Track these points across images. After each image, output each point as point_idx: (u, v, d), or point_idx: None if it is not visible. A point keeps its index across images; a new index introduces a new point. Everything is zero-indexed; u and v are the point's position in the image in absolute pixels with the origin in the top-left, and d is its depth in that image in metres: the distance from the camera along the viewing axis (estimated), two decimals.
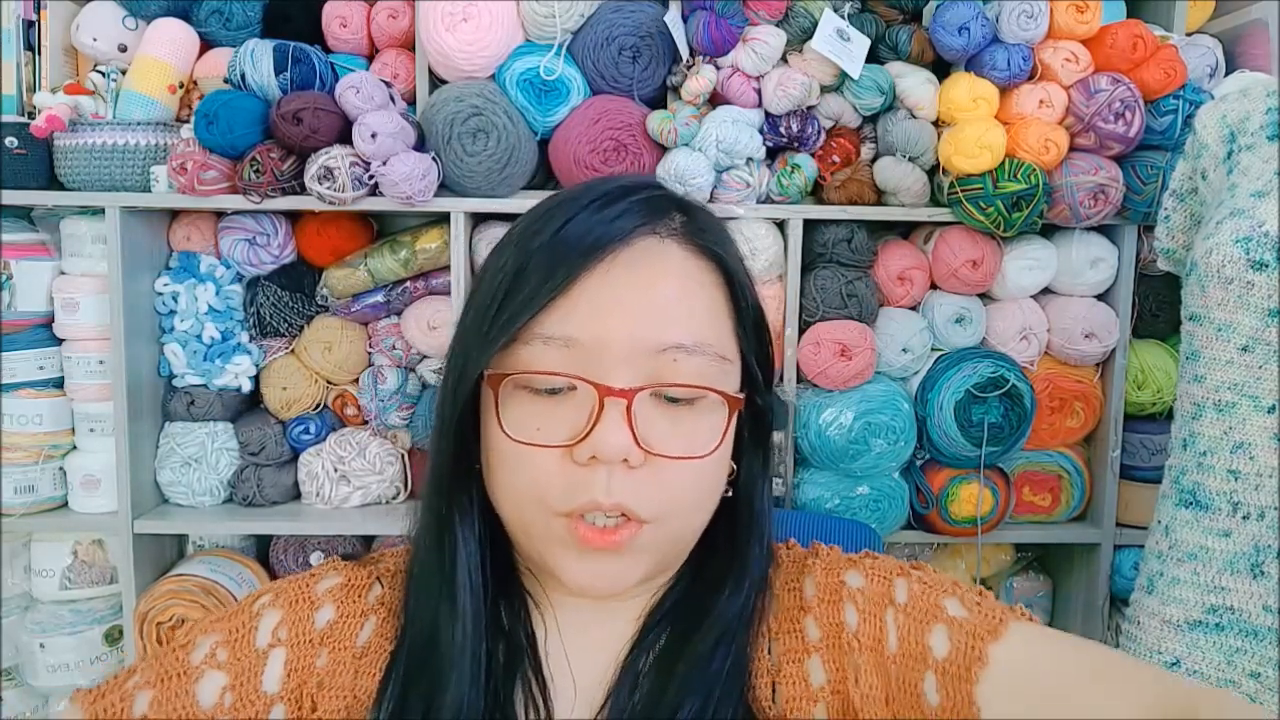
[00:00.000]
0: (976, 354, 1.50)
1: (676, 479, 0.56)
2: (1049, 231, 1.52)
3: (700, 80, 1.42)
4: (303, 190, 1.44)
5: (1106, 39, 1.43)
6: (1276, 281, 0.92)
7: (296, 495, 1.61)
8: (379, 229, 1.67)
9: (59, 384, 1.55)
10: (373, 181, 1.42)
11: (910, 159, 1.46)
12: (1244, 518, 0.96)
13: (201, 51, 1.55)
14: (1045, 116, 1.43)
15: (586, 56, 1.45)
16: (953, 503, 1.52)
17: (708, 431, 0.56)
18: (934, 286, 1.55)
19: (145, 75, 1.49)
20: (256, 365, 1.57)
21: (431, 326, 1.55)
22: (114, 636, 1.57)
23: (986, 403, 1.47)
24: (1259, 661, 0.95)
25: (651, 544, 0.57)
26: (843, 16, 1.43)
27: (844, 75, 1.44)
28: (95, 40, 1.53)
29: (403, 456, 1.60)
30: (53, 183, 1.50)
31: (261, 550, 1.67)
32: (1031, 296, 1.55)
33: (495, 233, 1.52)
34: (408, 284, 1.57)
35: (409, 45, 1.55)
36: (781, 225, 1.51)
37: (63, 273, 1.53)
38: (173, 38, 1.50)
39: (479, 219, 1.55)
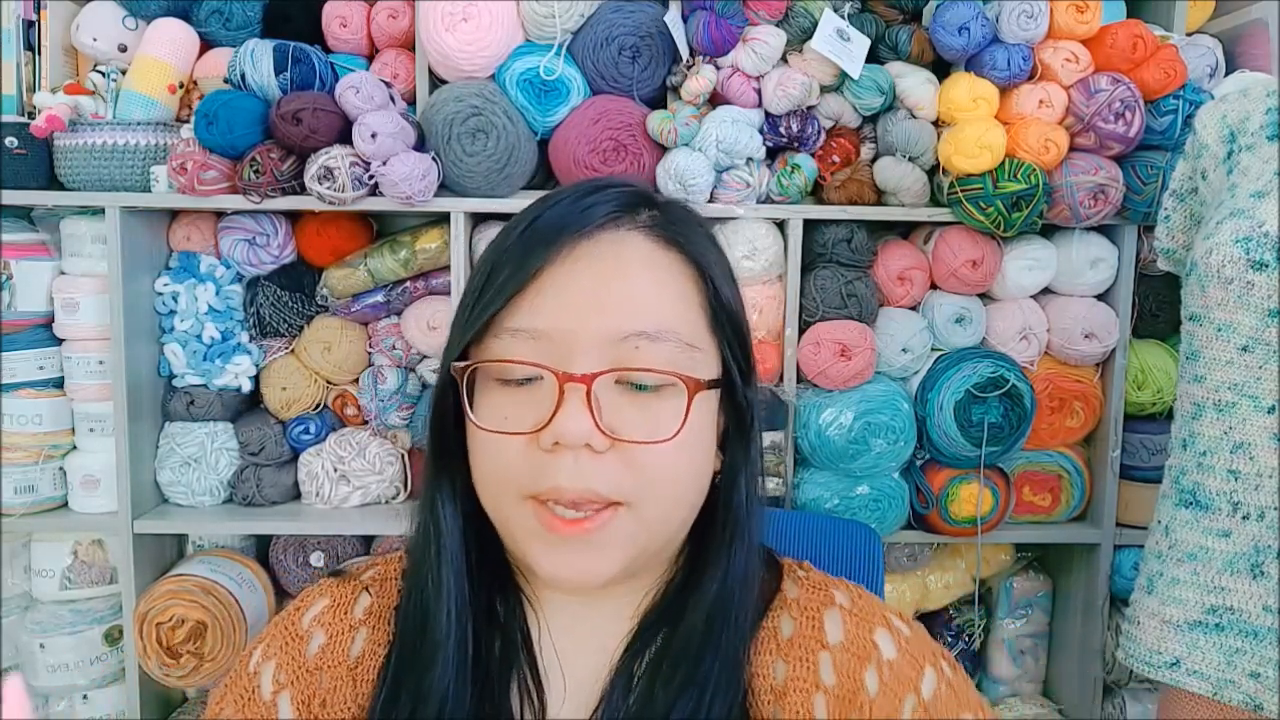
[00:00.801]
0: (976, 354, 1.50)
1: (645, 464, 0.55)
2: (1049, 231, 1.52)
3: (700, 80, 1.42)
4: (303, 190, 1.44)
5: (1106, 39, 1.43)
6: (1276, 281, 0.92)
7: (296, 495, 1.61)
8: (379, 229, 1.67)
9: (59, 384, 1.55)
10: (373, 181, 1.42)
11: (910, 159, 1.46)
12: (1244, 518, 0.96)
13: (201, 51, 1.55)
14: (1045, 116, 1.43)
15: (586, 56, 1.45)
16: (953, 503, 1.52)
17: (673, 416, 0.56)
18: (934, 286, 1.55)
19: (145, 75, 1.49)
20: (256, 365, 1.57)
21: (431, 326, 1.55)
22: (114, 636, 1.57)
23: (986, 403, 1.47)
24: (1259, 661, 0.95)
25: (626, 534, 0.56)
26: (843, 16, 1.43)
27: (844, 75, 1.44)
28: (95, 40, 1.53)
29: (402, 456, 1.60)
30: (53, 183, 1.50)
31: (261, 550, 1.67)
32: (1031, 296, 1.55)
33: (495, 233, 1.52)
34: (408, 284, 1.57)
35: (409, 45, 1.55)
36: (781, 225, 1.51)
37: (63, 273, 1.53)
38: (173, 38, 1.50)
39: (479, 219, 1.55)
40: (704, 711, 0.57)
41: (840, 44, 1.41)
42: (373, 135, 1.38)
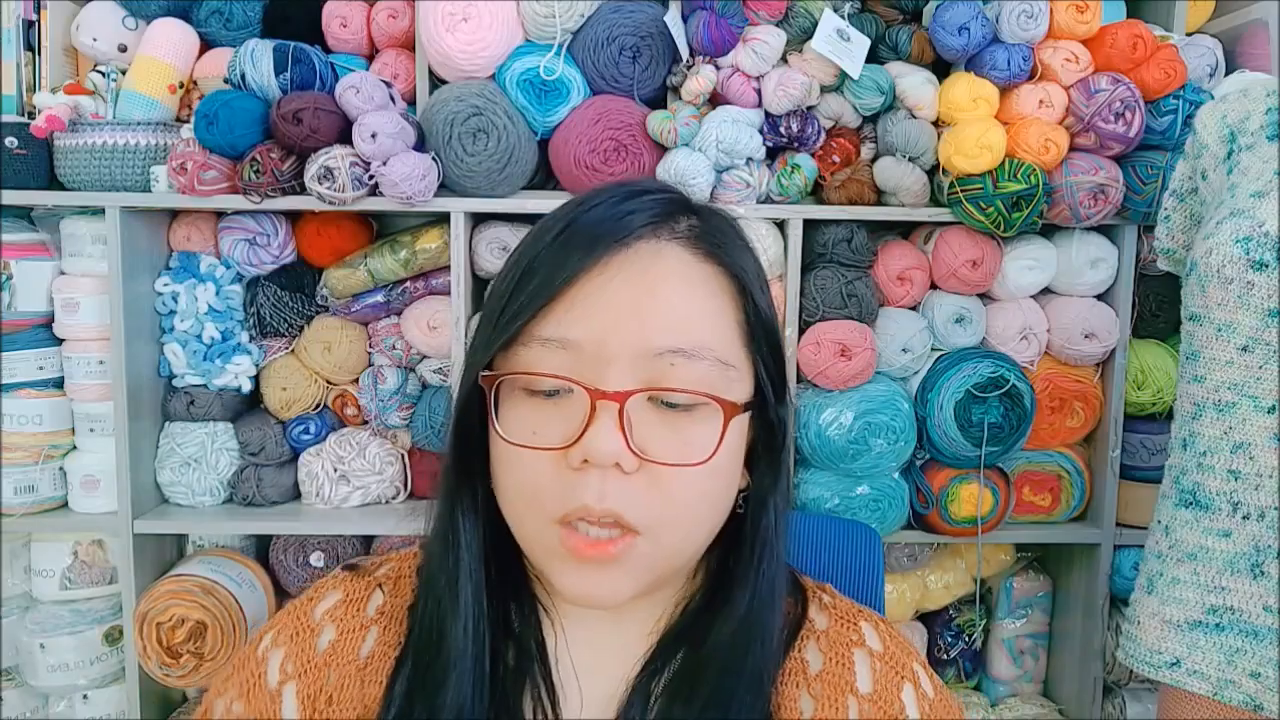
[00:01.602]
0: (976, 354, 1.50)
1: (673, 487, 0.54)
2: (1049, 231, 1.52)
3: (700, 80, 1.42)
4: (303, 190, 1.44)
5: (1106, 39, 1.43)
6: (1276, 281, 0.92)
7: (296, 495, 1.61)
8: (379, 229, 1.67)
9: (59, 384, 1.55)
10: (373, 181, 1.42)
11: (910, 159, 1.46)
12: (1244, 518, 0.96)
13: (201, 51, 1.55)
14: (1045, 116, 1.43)
15: (586, 56, 1.45)
16: (953, 503, 1.52)
17: (706, 438, 0.54)
18: (934, 286, 1.55)
19: (145, 75, 1.49)
20: (256, 365, 1.57)
21: (431, 326, 1.55)
22: (114, 636, 1.57)
23: (986, 403, 1.47)
24: (1259, 661, 0.95)
25: (646, 558, 0.55)
26: (843, 16, 1.43)
27: (844, 75, 1.44)
28: (95, 40, 1.53)
29: (403, 456, 1.60)
30: (53, 183, 1.50)
31: (261, 550, 1.67)
32: (1031, 296, 1.55)
33: (495, 233, 1.52)
34: (408, 284, 1.57)
35: (409, 45, 1.55)
36: (781, 225, 1.51)
37: (63, 273, 1.53)
38: (172, 38, 1.50)
39: (479, 219, 1.55)
40: None
41: (840, 44, 1.41)
42: (373, 135, 1.38)
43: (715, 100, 1.48)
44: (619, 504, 0.53)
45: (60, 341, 1.54)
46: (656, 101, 1.52)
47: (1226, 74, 1.53)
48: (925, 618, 1.72)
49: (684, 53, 1.42)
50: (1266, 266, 0.92)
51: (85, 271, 1.51)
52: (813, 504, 1.50)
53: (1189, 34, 1.57)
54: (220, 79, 1.49)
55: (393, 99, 1.46)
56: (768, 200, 1.49)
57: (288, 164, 1.42)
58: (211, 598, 1.46)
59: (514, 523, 0.58)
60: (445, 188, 1.48)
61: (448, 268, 1.52)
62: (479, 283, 1.59)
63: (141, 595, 1.49)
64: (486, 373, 0.56)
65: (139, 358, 1.51)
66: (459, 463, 0.61)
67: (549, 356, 0.54)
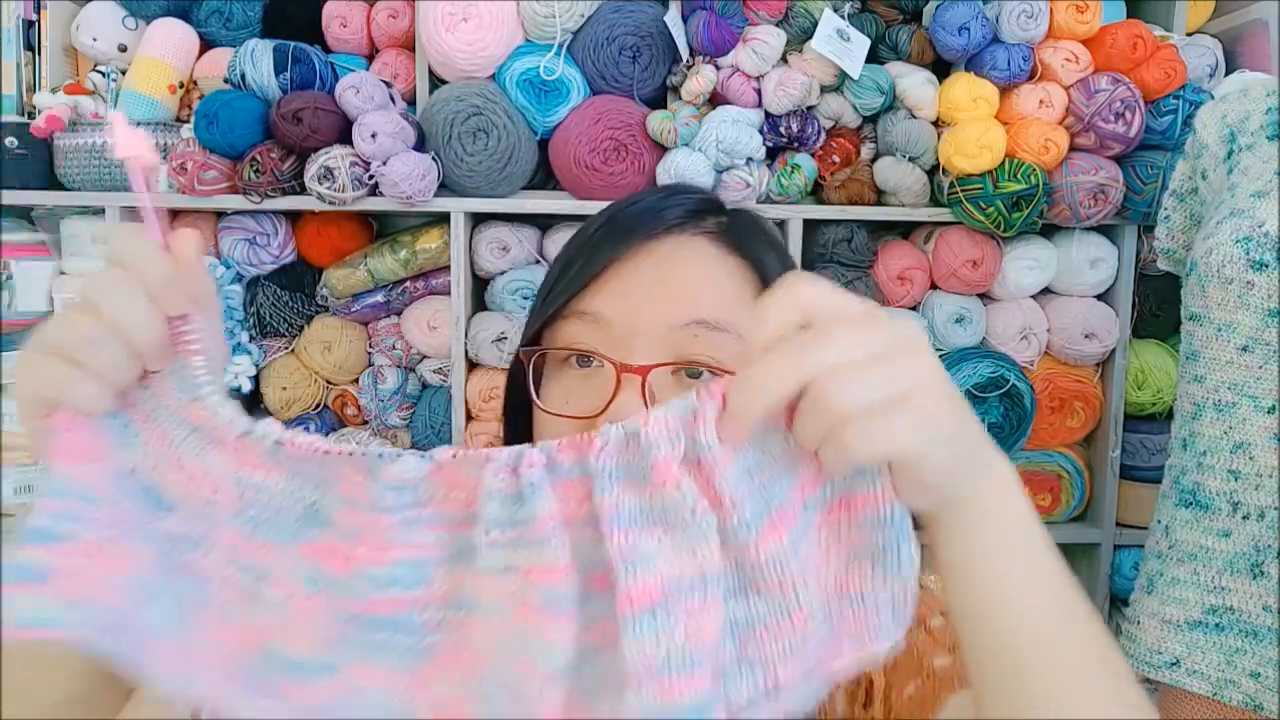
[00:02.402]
0: (976, 354, 1.50)
1: None
2: (1049, 231, 1.52)
3: (700, 80, 1.42)
4: (303, 190, 1.44)
5: (1106, 39, 1.43)
6: (1276, 281, 0.92)
7: None
8: (379, 229, 1.67)
9: None
10: (373, 181, 1.42)
11: (910, 159, 1.46)
12: (1244, 518, 0.96)
13: (201, 51, 1.55)
14: (1045, 116, 1.43)
15: (586, 56, 1.45)
16: None
17: None
18: (934, 286, 1.55)
19: (145, 75, 1.49)
20: (256, 365, 1.57)
21: (431, 326, 1.55)
22: None
23: (986, 403, 1.47)
24: (1259, 661, 0.95)
25: None
26: (843, 16, 1.43)
27: (844, 75, 1.44)
28: (95, 40, 1.53)
29: None
30: (53, 183, 1.50)
31: None
32: (1031, 296, 1.55)
33: (495, 233, 1.52)
34: (408, 284, 1.57)
35: (409, 45, 1.55)
36: (781, 225, 1.51)
37: (62, 273, 1.53)
38: (172, 38, 1.50)
39: (479, 219, 1.55)
40: None
41: (840, 44, 1.41)
42: (373, 135, 1.38)
43: (715, 100, 1.48)
44: None
45: None
46: (656, 101, 1.52)
47: (1226, 74, 1.53)
48: None
49: (684, 53, 1.42)
50: (1266, 266, 0.92)
51: (85, 271, 1.51)
52: None
53: (1189, 34, 1.57)
54: (220, 79, 1.49)
55: (393, 99, 1.46)
56: (767, 200, 1.49)
57: (288, 164, 1.42)
58: None
59: None
60: (445, 188, 1.48)
61: (448, 268, 1.52)
62: (479, 283, 1.59)
63: None
64: (527, 348, 0.62)
65: None
66: (511, 434, 0.66)
67: (584, 330, 0.59)
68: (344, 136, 1.42)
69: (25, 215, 1.55)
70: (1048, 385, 1.52)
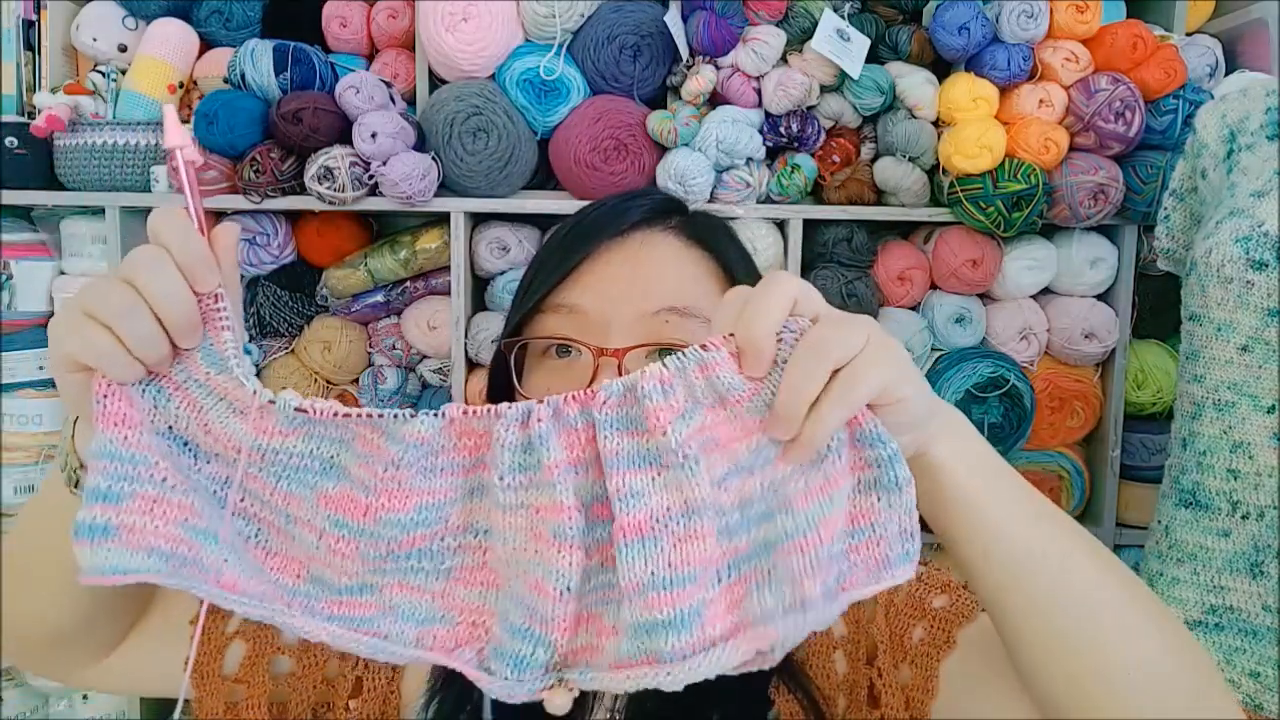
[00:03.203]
0: (976, 354, 1.49)
1: None
2: (1049, 231, 1.52)
3: (700, 80, 1.42)
4: (303, 190, 1.44)
5: (1106, 39, 1.43)
6: (1276, 281, 0.92)
7: None
8: (379, 229, 1.67)
9: None
10: (373, 181, 1.42)
11: (910, 159, 1.46)
12: (1243, 517, 0.96)
13: (201, 51, 1.55)
14: (1045, 116, 1.43)
15: (586, 56, 1.45)
16: None
17: None
18: (934, 286, 1.55)
19: (145, 75, 1.49)
20: (256, 365, 1.57)
21: (431, 326, 1.55)
22: None
23: (986, 403, 1.47)
24: (1259, 661, 0.95)
25: None
26: (843, 16, 1.43)
27: (844, 75, 1.43)
28: (95, 40, 1.53)
29: None
30: (53, 183, 1.50)
31: None
32: (1031, 296, 1.55)
33: (495, 233, 1.52)
34: (407, 284, 1.57)
35: (409, 45, 1.55)
36: (781, 225, 1.51)
37: (63, 273, 1.53)
38: (172, 38, 1.51)
39: (479, 219, 1.55)
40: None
41: (840, 44, 1.41)
42: (373, 135, 1.38)
43: (715, 100, 1.48)
44: None
45: None
46: (656, 101, 1.52)
47: (1226, 74, 1.53)
48: None
49: (684, 53, 1.42)
50: (1266, 266, 0.92)
51: (85, 271, 1.51)
52: None
53: (1189, 34, 1.57)
54: (220, 79, 1.49)
55: (393, 99, 1.46)
56: (767, 200, 1.49)
57: (288, 164, 1.42)
58: None
59: None
60: (445, 188, 1.48)
61: (448, 268, 1.52)
62: (479, 283, 1.59)
63: None
64: (507, 339, 0.65)
65: None
66: None
67: (562, 322, 0.63)
68: (344, 136, 1.42)
69: (25, 215, 1.55)
70: (1048, 385, 1.52)
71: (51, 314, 1.53)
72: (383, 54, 1.56)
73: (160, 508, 0.46)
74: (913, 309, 1.56)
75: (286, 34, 1.52)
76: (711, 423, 0.46)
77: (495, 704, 0.59)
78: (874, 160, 1.50)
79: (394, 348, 1.58)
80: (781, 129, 1.46)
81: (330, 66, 1.50)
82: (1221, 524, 0.97)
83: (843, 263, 1.49)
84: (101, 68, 1.52)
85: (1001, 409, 1.48)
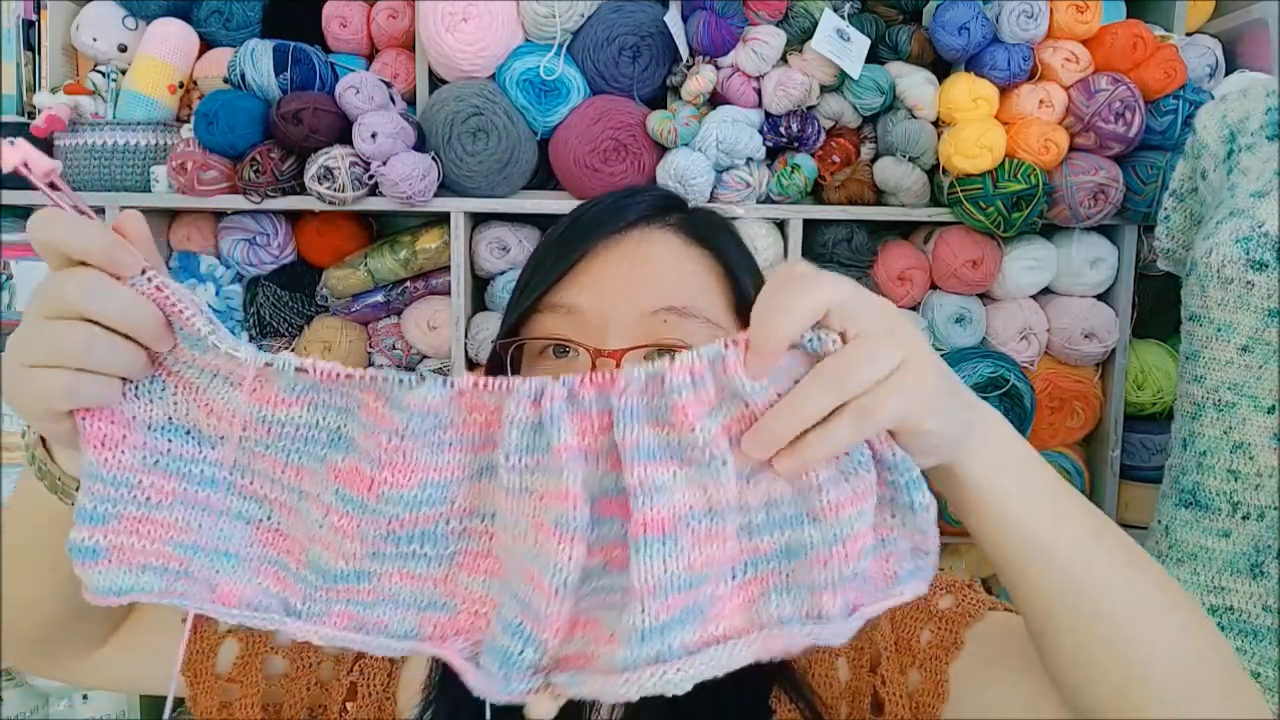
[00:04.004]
0: (976, 354, 1.49)
1: None
2: (1049, 231, 1.52)
3: (700, 80, 1.42)
4: (303, 190, 1.44)
5: (1106, 39, 1.43)
6: (1276, 281, 0.92)
7: None
8: (379, 229, 1.67)
9: None
10: (373, 181, 1.42)
11: (910, 159, 1.46)
12: (1244, 518, 0.96)
13: (201, 51, 1.55)
14: (1045, 116, 1.43)
15: (586, 56, 1.45)
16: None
17: None
18: (934, 286, 1.55)
19: (145, 75, 1.49)
20: None
21: (431, 326, 1.55)
22: None
23: (986, 403, 1.47)
24: (1259, 661, 0.95)
25: None
26: (843, 16, 1.43)
27: (844, 75, 1.43)
28: (95, 40, 1.53)
29: None
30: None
31: None
32: (1031, 296, 1.55)
33: (495, 233, 1.52)
34: (407, 284, 1.57)
35: (409, 45, 1.55)
36: (781, 225, 1.51)
37: None
38: (172, 38, 1.51)
39: (479, 219, 1.55)
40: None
41: (840, 44, 1.41)
42: (373, 135, 1.38)
43: (715, 100, 1.48)
44: None
45: None
46: (656, 101, 1.52)
47: (1226, 74, 1.53)
48: None
49: (684, 53, 1.42)
50: (1266, 266, 0.92)
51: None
52: None
53: (1189, 34, 1.57)
54: (220, 79, 1.49)
55: (393, 99, 1.46)
56: (767, 200, 1.49)
57: (287, 164, 1.42)
58: None
59: None
60: (445, 188, 1.48)
61: (448, 268, 1.52)
62: (479, 283, 1.59)
63: None
64: (504, 339, 0.64)
65: None
66: None
67: (559, 322, 0.61)
68: (344, 136, 1.42)
69: (25, 215, 1.55)
70: (1048, 385, 1.52)
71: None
72: (383, 54, 1.56)
73: (146, 527, 0.46)
74: (913, 309, 1.56)
75: (286, 34, 1.52)
76: (741, 418, 0.43)
77: (495, 710, 0.59)
78: (874, 160, 1.50)
79: (394, 348, 1.58)
80: (781, 129, 1.46)
81: (330, 66, 1.50)
82: (1222, 524, 0.97)
83: (843, 263, 1.49)
84: (101, 68, 1.52)
85: (1001, 409, 1.48)
